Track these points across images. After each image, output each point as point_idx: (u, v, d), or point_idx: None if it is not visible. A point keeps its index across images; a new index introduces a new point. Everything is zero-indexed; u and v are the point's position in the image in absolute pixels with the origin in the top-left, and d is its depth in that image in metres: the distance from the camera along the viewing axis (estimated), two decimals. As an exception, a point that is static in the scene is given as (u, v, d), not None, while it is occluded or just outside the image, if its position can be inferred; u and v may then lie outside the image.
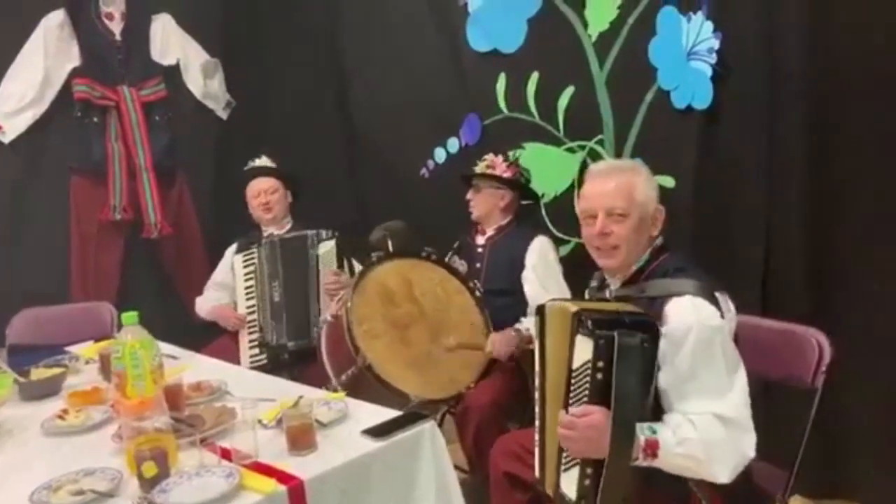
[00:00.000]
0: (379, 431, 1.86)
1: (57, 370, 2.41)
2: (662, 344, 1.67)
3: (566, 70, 3.12)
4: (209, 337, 3.47)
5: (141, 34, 3.94)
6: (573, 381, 1.69)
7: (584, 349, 1.66)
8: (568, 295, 2.69)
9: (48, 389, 2.32)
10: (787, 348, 2.08)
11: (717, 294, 1.76)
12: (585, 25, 3.05)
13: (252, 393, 2.15)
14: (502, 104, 3.36)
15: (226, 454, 1.78)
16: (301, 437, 1.79)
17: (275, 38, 4.17)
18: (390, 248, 2.86)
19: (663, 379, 1.70)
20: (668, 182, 2.79)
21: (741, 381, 1.71)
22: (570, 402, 1.70)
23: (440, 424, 3.01)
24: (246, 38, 4.24)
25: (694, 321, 1.69)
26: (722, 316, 1.73)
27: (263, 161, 3.48)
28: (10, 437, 2.05)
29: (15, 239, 3.61)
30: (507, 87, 3.33)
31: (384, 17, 3.73)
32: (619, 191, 1.88)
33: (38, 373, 2.39)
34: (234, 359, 3.20)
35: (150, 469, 1.63)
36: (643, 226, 1.88)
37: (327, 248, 3.26)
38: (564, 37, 3.09)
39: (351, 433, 1.88)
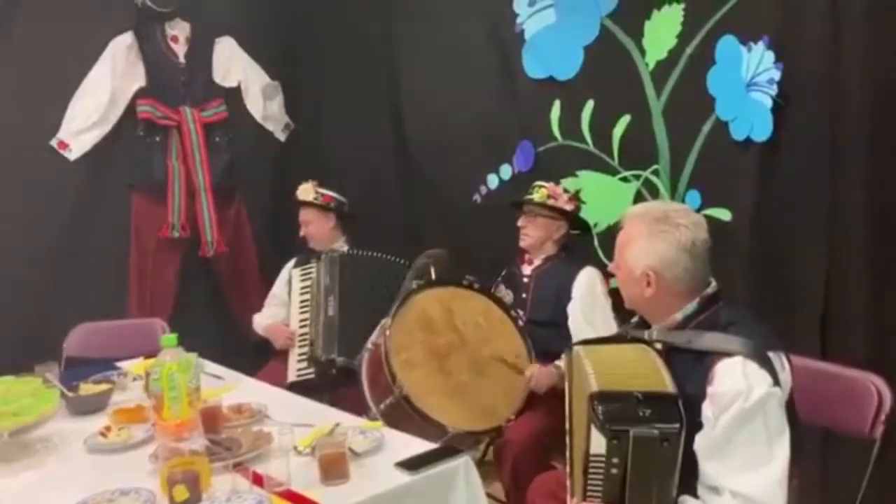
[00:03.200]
0: (413, 464, 1.84)
1: (104, 386, 2.45)
2: (705, 405, 1.60)
3: (622, 98, 3.07)
4: (260, 356, 3.51)
5: (204, 57, 4.04)
6: (591, 465, 1.63)
7: (598, 442, 1.60)
8: (614, 329, 2.62)
9: (95, 405, 2.36)
10: (845, 394, 1.98)
11: (772, 354, 1.65)
12: (643, 53, 3.00)
13: (292, 417, 2.16)
14: (556, 131, 3.32)
15: (258, 480, 1.78)
16: (334, 466, 1.78)
17: (333, 62, 4.22)
18: (433, 276, 2.84)
19: (699, 439, 1.62)
20: (725, 215, 2.71)
21: (783, 451, 1.59)
22: (588, 488, 1.64)
23: (483, 458, 2.97)
24: (306, 61, 4.31)
25: (742, 388, 1.57)
26: (776, 381, 1.61)
27: (305, 189, 3.53)
28: (54, 452, 2.09)
29: (76, 253, 3.71)
30: (561, 114, 3.29)
31: (440, 41, 3.74)
32: (618, 243, 1.87)
33: (87, 388, 2.43)
34: (283, 381, 3.23)
35: (181, 493, 1.64)
36: (635, 285, 1.80)
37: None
38: (621, 65, 3.05)
39: (385, 464, 1.86)
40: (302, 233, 3.54)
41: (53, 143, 3.64)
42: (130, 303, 3.87)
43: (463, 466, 1.86)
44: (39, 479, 1.94)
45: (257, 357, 3.51)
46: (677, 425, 1.58)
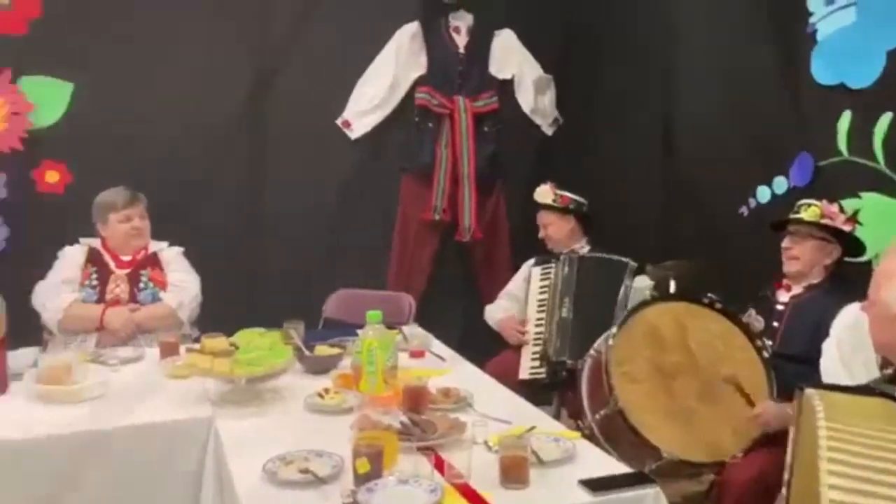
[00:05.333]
0: (597, 485, 1.72)
1: (335, 350, 2.62)
2: None
3: (929, 113, 2.61)
4: (498, 343, 3.55)
5: (483, 48, 4.15)
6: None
7: None
8: (876, 375, 2.24)
9: (324, 366, 2.53)
10: None
11: None
12: (962, 62, 2.52)
13: (494, 411, 2.15)
14: (843, 146, 2.92)
15: (440, 467, 1.78)
16: (514, 470, 1.73)
17: (607, 59, 4.11)
18: (671, 289, 2.65)
19: None
20: None
21: None
22: None
23: (707, 495, 2.73)
24: (580, 56, 4.25)
25: None
26: None
27: (542, 191, 3.47)
28: (280, 403, 2.28)
29: (347, 224, 4.04)
30: (851, 126, 2.88)
31: (720, 41, 3.46)
32: (876, 276, 1.59)
33: (321, 349, 2.62)
34: (514, 373, 3.24)
35: (362, 465, 1.68)
36: (892, 327, 1.52)
37: (645, 284, 3.14)
38: (933, 74, 2.60)
39: (569, 479, 1.76)
40: (541, 234, 3.51)
41: (339, 121, 3.98)
42: (389, 276, 4.13)
43: (652, 497, 1.71)
44: (260, 426, 2.11)
45: (495, 344, 3.55)
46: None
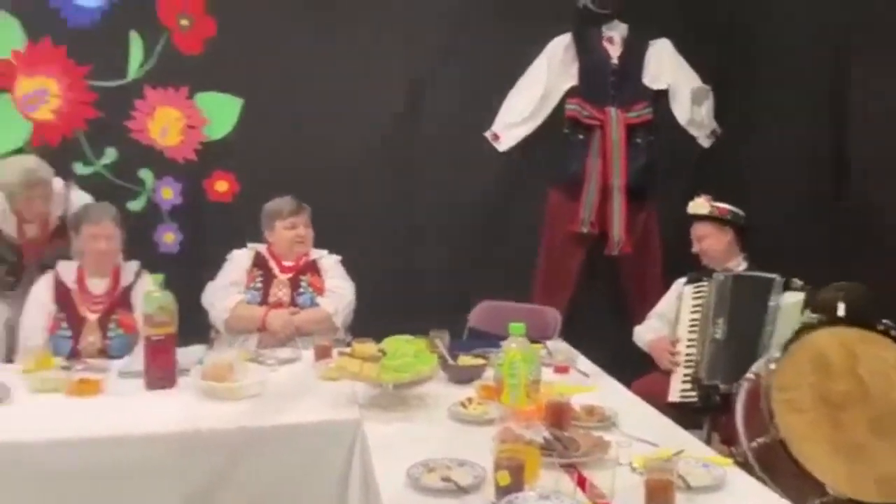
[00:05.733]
0: (749, 517, 1.63)
1: (479, 361, 2.62)
2: None
3: None
4: (646, 362, 3.44)
5: (637, 58, 4.07)
6: None
7: None
8: None
9: (467, 376, 2.54)
10: None
11: None
12: None
13: (639, 432, 2.07)
14: None
15: (582, 485, 1.74)
16: (659, 494, 1.65)
17: (770, 70, 3.90)
18: (840, 313, 2.45)
19: None
20: None
21: None
22: None
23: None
24: (740, 65, 4.06)
25: None
26: None
27: (698, 203, 3.32)
28: (424, 410, 2.30)
29: (493, 236, 4.07)
30: None
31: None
32: None
33: (464, 360, 2.63)
34: (662, 395, 3.13)
35: (503, 478, 1.67)
36: None
37: (794, 300, 2.96)
38: None
39: (718, 508, 1.68)
40: (695, 248, 3.35)
41: (488, 134, 4.02)
42: (534, 288, 4.10)
43: (813, 536, 1.59)
44: (405, 431, 2.15)
45: (643, 364, 3.44)
46: None
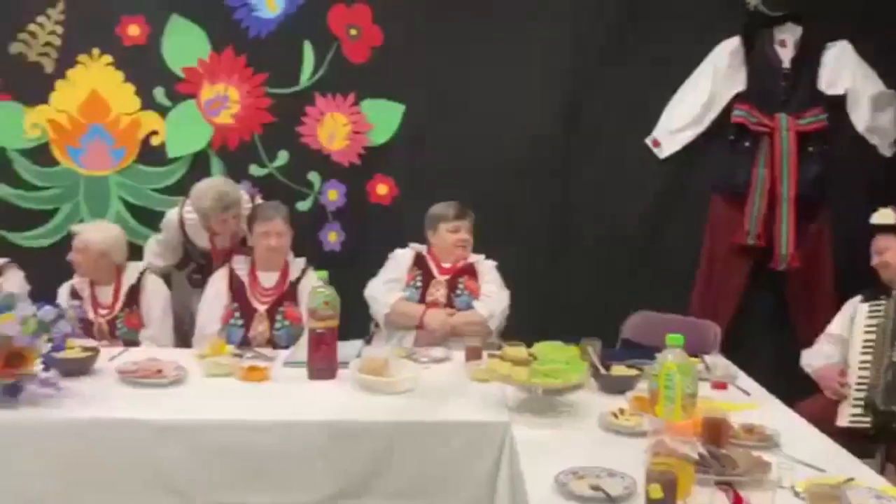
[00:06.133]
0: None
1: (632, 372, 2.57)
2: None
3: None
4: (814, 384, 3.24)
5: (812, 62, 3.84)
6: None
7: None
8: None
9: (619, 386, 2.50)
10: None
11: None
12: None
13: (804, 456, 1.97)
14: None
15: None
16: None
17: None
18: None
19: None
20: None
21: None
22: None
23: None
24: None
25: None
26: None
27: (884, 213, 3.08)
28: (574, 417, 2.29)
29: (651, 246, 3.96)
30: None
31: None
32: None
33: (617, 369, 2.59)
34: (830, 418, 2.94)
35: (655, 491, 1.64)
36: None
37: None
38: None
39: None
40: (874, 261, 3.12)
41: (648, 140, 3.92)
42: (692, 301, 3.96)
43: None
44: (554, 436, 2.16)
45: (810, 385, 3.24)
46: None
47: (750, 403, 2.46)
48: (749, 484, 1.76)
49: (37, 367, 2.32)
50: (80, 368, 2.56)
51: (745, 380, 2.74)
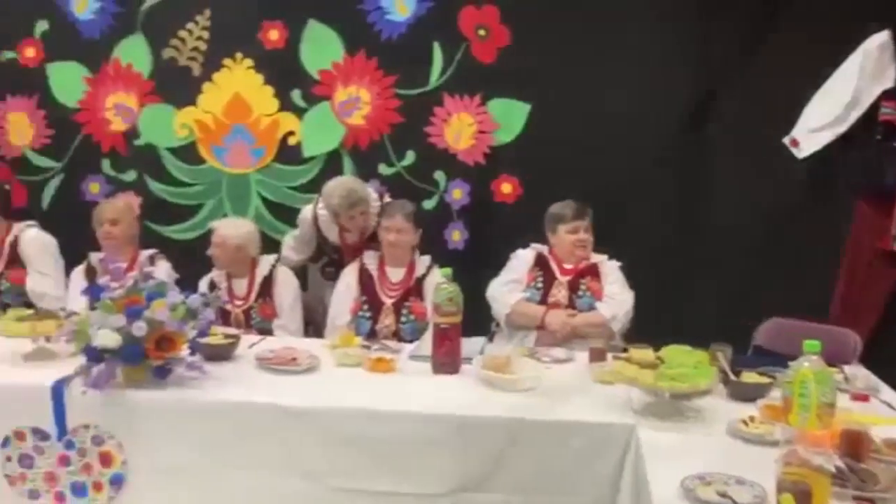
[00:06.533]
0: None
1: (765, 379, 2.47)
2: None
3: None
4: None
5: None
6: None
7: None
8: None
9: (750, 394, 2.41)
10: None
11: None
12: None
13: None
14: None
15: (882, 525, 1.58)
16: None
17: None
18: None
19: None
20: None
21: None
22: None
23: None
24: None
25: None
26: None
27: None
28: (702, 423, 2.22)
29: (789, 249, 3.79)
30: None
31: None
32: None
33: (748, 376, 2.50)
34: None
35: (787, 501, 1.58)
36: None
37: None
38: None
39: None
40: None
41: (786, 140, 3.75)
42: (832, 309, 3.76)
43: None
44: (680, 441, 2.10)
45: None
46: None
47: (894, 418, 2.31)
48: (892, 502, 1.67)
49: (184, 351, 2.48)
50: (222, 354, 2.72)
51: (888, 393, 2.58)
